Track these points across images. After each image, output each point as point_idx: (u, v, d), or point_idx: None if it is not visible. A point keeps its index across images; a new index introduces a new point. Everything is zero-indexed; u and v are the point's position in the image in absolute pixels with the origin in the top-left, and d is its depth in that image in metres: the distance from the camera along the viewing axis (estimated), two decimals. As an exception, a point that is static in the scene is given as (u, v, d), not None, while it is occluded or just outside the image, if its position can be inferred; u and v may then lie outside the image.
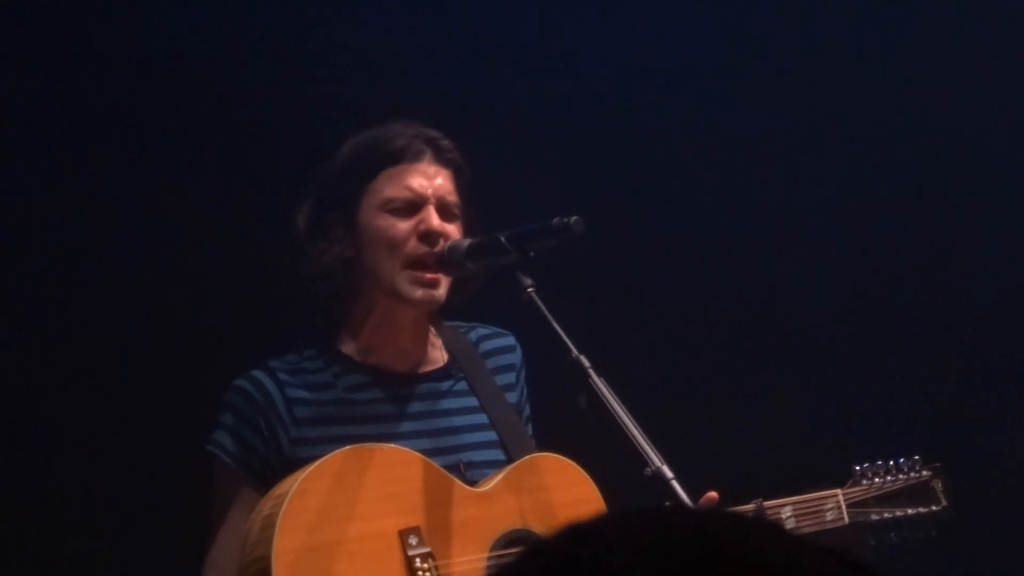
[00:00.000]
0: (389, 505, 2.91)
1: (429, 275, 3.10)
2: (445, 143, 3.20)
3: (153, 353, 4.23)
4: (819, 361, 4.63)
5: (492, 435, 3.21)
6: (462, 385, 3.24)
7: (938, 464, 3.42)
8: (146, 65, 4.22)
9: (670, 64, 4.60)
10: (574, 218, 2.95)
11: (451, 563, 2.92)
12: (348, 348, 3.19)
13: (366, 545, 2.87)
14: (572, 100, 4.56)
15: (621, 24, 4.59)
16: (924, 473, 3.40)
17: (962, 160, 4.68)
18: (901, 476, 3.38)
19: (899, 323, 4.72)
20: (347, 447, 2.94)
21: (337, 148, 3.24)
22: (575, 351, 2.88)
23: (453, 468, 3.07)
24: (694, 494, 2.83)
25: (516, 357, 3.31)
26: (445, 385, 3.23)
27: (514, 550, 2.99)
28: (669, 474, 2.82)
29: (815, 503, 3.29)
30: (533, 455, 3.13)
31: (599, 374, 2.87)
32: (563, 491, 3.11)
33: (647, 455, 2.81)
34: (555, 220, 2.97)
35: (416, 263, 3.11)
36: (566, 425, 3.08)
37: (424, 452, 3.07)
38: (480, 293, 3.21)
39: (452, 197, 3.17)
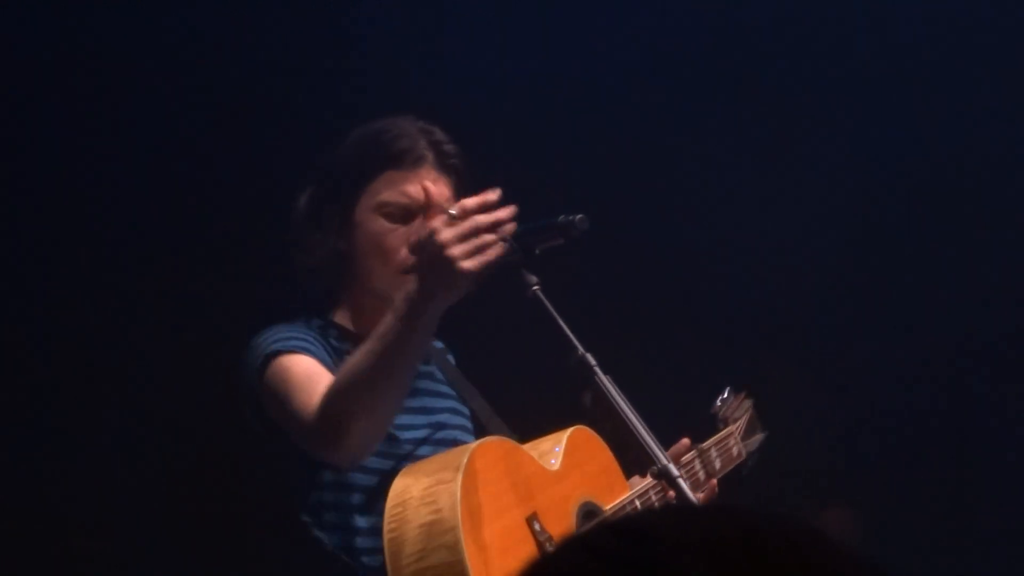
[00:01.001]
0: (511, 496, 2.94)
1: None
2: (449, 147, 3.21)
3: (157, 352, 4.24)
4: (823, 360, 4.64)
5: (466, 408, 3.28)
6: (440, 375, 3.29)
7: (749, 390, 3.62)
8: (151, 64, 4.23)
9: (675, 62, 4.61)
10: (579, 216, 2.94)
11: None
12: (348, 327, 3.22)
13: (509, 538, 2.89)
14: (581, 98, 4.57)
15: (625, 24, 4.60)
16: (748, 403, 3.61)
17: (958, 168, 4.69)
18: (744, 411, 3.58)
19: (901, 323, 4.73)
20: (470, 449, 2.92)
21: (343, 137, 3.23)
22: (581, 349, 2.89)
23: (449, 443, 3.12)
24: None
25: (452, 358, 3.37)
26: (431, 368, 3.27)
27: (593, 523, 3.02)
28: (675, 472, 2.83)
29: (725, 442, 3.49)
30: (573, 428, 3.16)
31: (605, 372, 2.87)
32: (598, 458, 3.19)
33: (653, 453, 2.82)
34: (560, 218, 2.96)
35: (408, 272, 3.10)
36: (572, 423, 3.09)
37: (437, 425, 3.14)
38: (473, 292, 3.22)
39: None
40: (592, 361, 2.87)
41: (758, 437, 3.60)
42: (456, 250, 2.76)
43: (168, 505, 4.25)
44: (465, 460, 2.87)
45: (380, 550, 2.94)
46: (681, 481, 2.83)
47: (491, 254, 2.79)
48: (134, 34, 4.22)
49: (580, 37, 4.59)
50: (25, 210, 4.20)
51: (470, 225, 2.78)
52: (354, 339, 3.16)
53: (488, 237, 2.78)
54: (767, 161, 4.67)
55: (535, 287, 2.96)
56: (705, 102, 4.64)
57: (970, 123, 4.67)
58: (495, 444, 2.99)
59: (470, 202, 2.81)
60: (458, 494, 2.83)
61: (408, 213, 3.15)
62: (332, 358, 3.09)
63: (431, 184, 3.15)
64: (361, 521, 3.04)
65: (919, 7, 4.65)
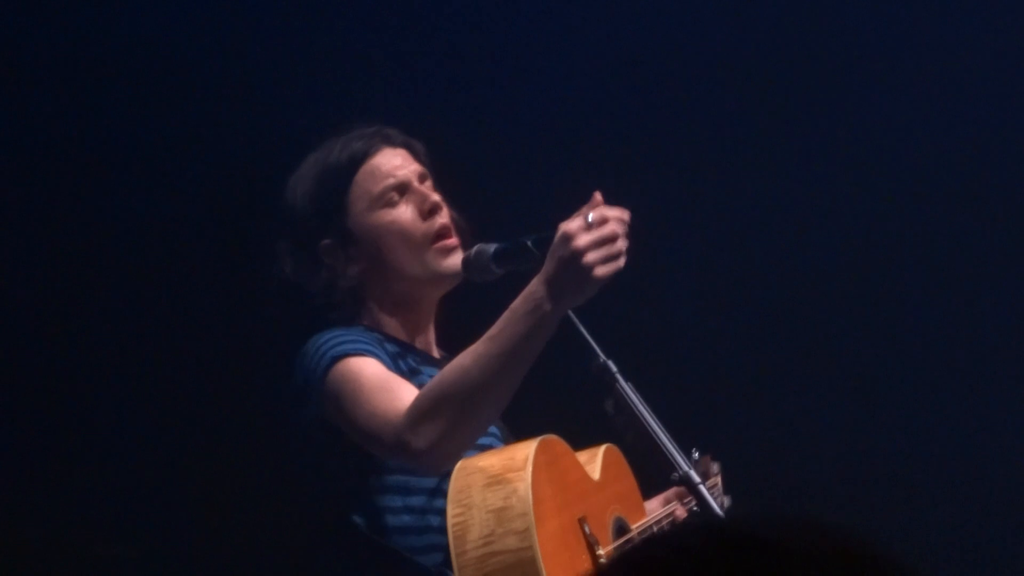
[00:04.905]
0: (568, 495, 2.96)
1: (451, 241, 3.18)
2: (388, 130, 3.27)
3: (184, 356, 4.25)
4: (843, 365, 4.63)
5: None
6: None
7: (710, 455, 3.63)
8: (147, 65, 4.25)
9: (676, 57, 4.61)
10: (600, 221, 2.94)
11: (606, 550, 2.97)
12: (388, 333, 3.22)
13: (567, 535, 2.91)
14: (591, 100, 4.57)
15: (624, 21, 4.60)
16: (717, 465, 3.64)
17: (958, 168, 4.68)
18: (716, 470, 3.62)
19: (912, 325, 4.72)
20: (535, 443, 2.93)
21: (289, 188, 3.23)
22: (602, 356, 2.89)
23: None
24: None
25: None
26: None
27: (624, 539, 3.08)
28: (696, 478, 2.84)
29: (712, 492, 3.44)
30: (605, 447, 3.20)
31: (627, 379, 2.87)
32: (625, 480, 3.24)
33: (675, 460, 2.82)
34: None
35: (435, 238, 3.17)
36: (594, 430, 3.10)
37: None
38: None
39: (423, 170, 3.25)
40: (614, 368, 2.88)
41: (727, 498, 3.64)
42: (592, 256, 2.72)
43: (195, 509, 4.26)
44: (532, 452, 2.88)
45: (436, 548, 2.96)
46: (703, 488, 2.84)
47: (623, 261, 2.76)
48: (128, 37, 4.24)
49: (578, 36, 4.60)
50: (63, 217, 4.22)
51: (608, 231, 2.74)
52: (404, 348, 3.17)
53: (622, 243, 2.76)
54: (776, 160, 4.66)
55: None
56: (710, 99, 4.64)
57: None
58: (554, 442, 3.00)
59: (607, 209, 2.78)
60: (530, 482, 2.82)
61: (402, 188, 3.19)
62: (394, 365, 3.06)
63: (400, 164, 3.19)
64: (415, 521, 3.03)
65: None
